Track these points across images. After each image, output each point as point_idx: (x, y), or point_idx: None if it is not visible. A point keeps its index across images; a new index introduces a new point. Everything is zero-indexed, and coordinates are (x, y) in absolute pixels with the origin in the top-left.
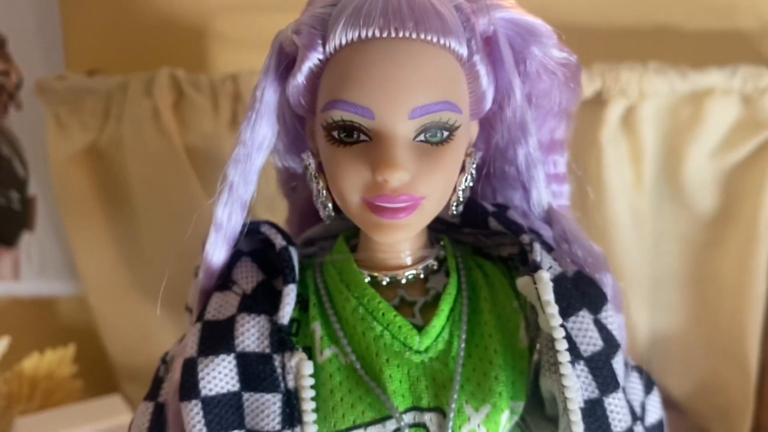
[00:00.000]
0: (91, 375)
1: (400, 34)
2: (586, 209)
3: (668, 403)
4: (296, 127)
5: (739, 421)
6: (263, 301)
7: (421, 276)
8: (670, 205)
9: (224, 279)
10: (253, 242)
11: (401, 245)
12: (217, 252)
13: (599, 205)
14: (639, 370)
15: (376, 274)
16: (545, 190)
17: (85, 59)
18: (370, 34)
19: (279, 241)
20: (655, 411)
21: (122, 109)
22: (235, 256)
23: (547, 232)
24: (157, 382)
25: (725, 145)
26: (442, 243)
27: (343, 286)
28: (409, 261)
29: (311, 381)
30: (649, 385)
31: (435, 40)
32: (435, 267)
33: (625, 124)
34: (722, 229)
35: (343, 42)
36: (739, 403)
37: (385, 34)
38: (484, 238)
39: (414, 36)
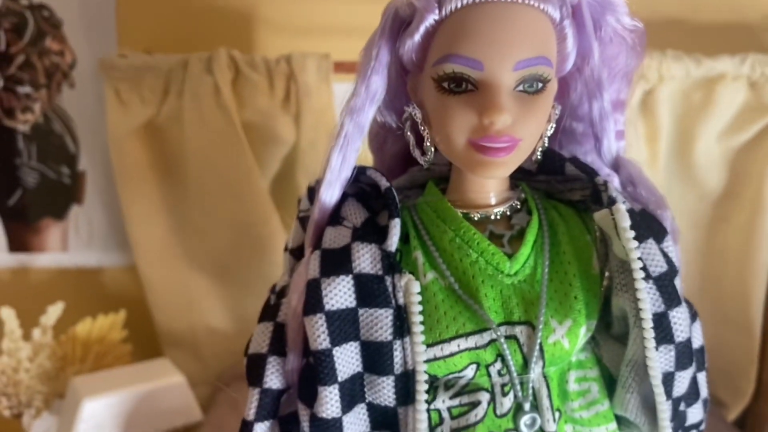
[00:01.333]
0: (137, 341)
1: None
2: None
3: None
4: (397, 84)
5: (744, 382)
6: (372, 233)
7: (507, 213)
8: (679, 183)
9: (335, 215)
10: (354, 185)
11: (489, 186)
12: (330, 192)
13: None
14: (687, 302)
15: (467, 211)
16: (614, 141)
17: (137, 40)
18: None
19: (383, 183)
20: (698, 338)
21: (182, 86)
22: (342, 197)
23: (611, 179)
24: (272, 308)
25: (733, 127)
26: (520, 187)
27: (440, 221)
28: (494, 201)
29: (419, 298)
30: (693, 315)
31: (535, 4)
32: (518, 206)
33: (644, 106)
34: (728, 205)
35: (459, 5)
36: (744, 366)
37: None
38: (557, 184)
39: (520, 0)
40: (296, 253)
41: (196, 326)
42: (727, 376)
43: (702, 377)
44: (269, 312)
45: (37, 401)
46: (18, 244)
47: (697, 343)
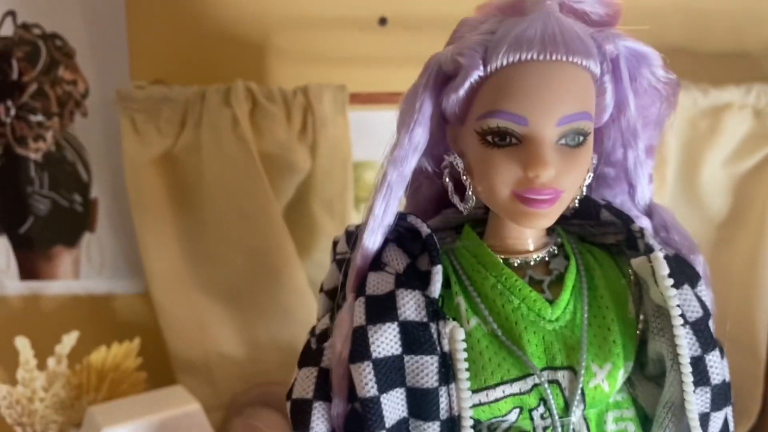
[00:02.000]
0: (151, 368)
1: (553, 57)
2: None
3: None
4: (438, 132)
5: (750, 402)
6: (414, 279)
7: (546, 259)
8: (685, 207)
9: (376, 261)
10: (393, 230)
11: (528, 232)
12: (373, 238)
13: None
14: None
15: (507, 257)
16: (647, 187)
17: (149, 70)
18: (528, 57)
19: (425, 229)
20: (726, 374)
21: (199, 117)
22: (383, 243)
23: (643, 224)
24: (315, 353)
25: (738, 154)
26: (556, 232)
27: (481, 266)
28: (532, 247)
29: (464, 345)
30: (721, 351)
31: (579, 62)
32: (555, 251)
33: None
34: (732, 230)
35: (505, 63)
36: (750, 387)
37: (541, 57)
38: (590, 228)
39: (564, 59)
40: (331, 294)
41: (209, 352)
42: (734, 398)
43: (730, 412)
44: (312, 357)
45: (52, 431)
46: (29, 272)
47: (726, 378)
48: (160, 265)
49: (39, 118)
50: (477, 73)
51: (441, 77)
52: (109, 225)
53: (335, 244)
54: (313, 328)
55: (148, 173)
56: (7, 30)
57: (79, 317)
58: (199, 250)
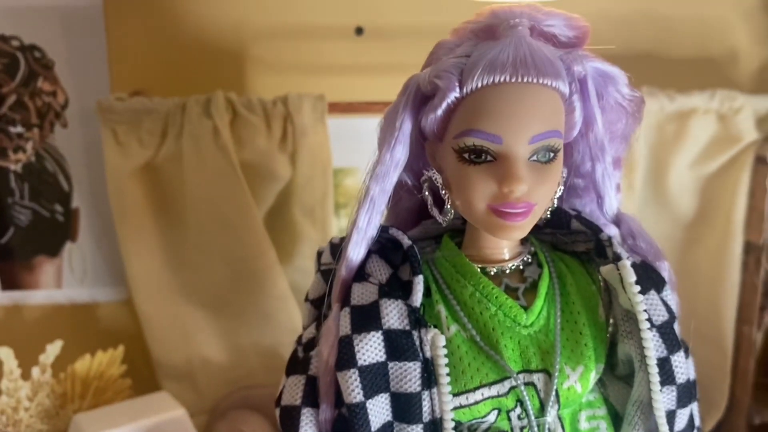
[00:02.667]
0: (135, 374)
1: (525, 80)
2: None
3: None
4: (417, 148)
5: (717, 395)
6: (397, 289)
7: (521, 267)
8: (654, 209)
9: (359, 272)
10: (375, 242)
11: (503, 243)
12: (357, 250)
13: None
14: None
15: (484, 266)
16: (615, 198)
17: (128, 81)
18: (501, 80)
19: (406, 241)
20: (691, 372)
21: (180, 128)
22: (366, 254)
23: (610, 233)
24: (302, 361)
25: (703, 157)
26: (529, 241)
27: (459, 276)
28: (507, 256)
29: (445, 351)
30: (686, 351)
31: (549, 83)
32: (529, 260)
33: None
34: (700, 229)
35: (479, 85)
36: (717, 380)
37: (513, 80)
38: (561, 236)
39: (535, 81)
40: (316, 303)
41: (192, 358)
42: (701, 391)
43: (695, 407)
44: (300, 365)
45: None
46: (10, 282)
47: (690, 377)
48: (142, 274)
49: (18, 129)
50: (453, 95)
51: (419, 97)
52: (90, 234)
53: (320, 254)
54: (300, 337)
55: (130, 184)
56: None
57: (62, 326)
58: (181, 258)
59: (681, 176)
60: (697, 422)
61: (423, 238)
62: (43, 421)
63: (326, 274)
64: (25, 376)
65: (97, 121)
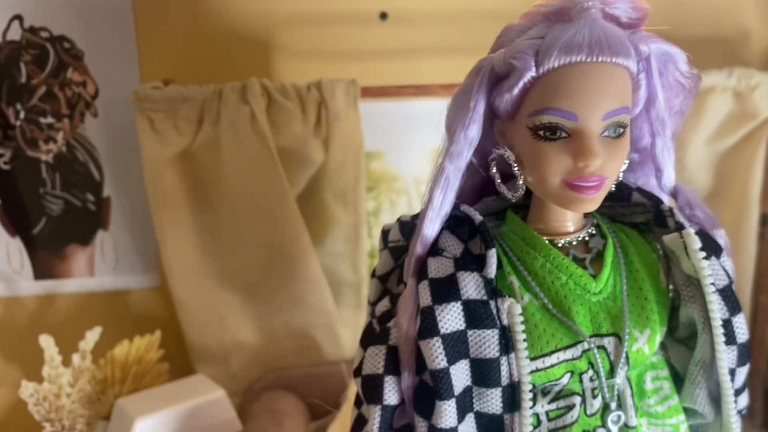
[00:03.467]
0: (170, 359)
1: (599, 59)
2: None
3: None
4: (486, 127)
5: None
6: (471, 262)
7: (585, 238)
8: None
9: (432, 248)
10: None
11: (569, 216)
12: (432, 227)
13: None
14: None
15: (551, 238)
16: (673, 171)
17: (158, 70)
18: (577, 60)
19: (477, 217)
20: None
21: (217, 115)
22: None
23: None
24: (381, 333)
25: (719, 133)
26: (591, 214)
27: (529, 248)
28: (572, 228)
29: (521, 318)
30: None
31: (621, 62)
32: (593, 231)
33: None
34: (717, 203)
35: (556, 65)
36: None
37: (589, 59)
38: (620, 209)
39: (608, 60)
40: (383, 279)
41: (226, 341)
42: None
43: (747, 368)
44: (378, 336)
45: (80, 425)
46: (43, 271)
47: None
48: (177, 259)
49: (49, 120)
50: (530, 74)
51: (493, 78)
52: (122, 222)
53: (386, 232)
54: (373, 311)
55: (167, 171)
56: (15, 34)
57: (96, 313)
58: (216, 243)
59: (698, 152)
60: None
61: (485, 214)
62: (85, 406)
63: (394, 251)
64: (66, 363)
65: (127, 111)
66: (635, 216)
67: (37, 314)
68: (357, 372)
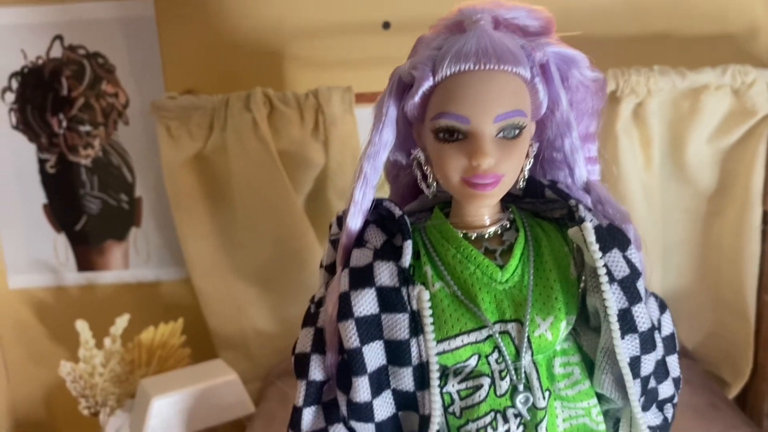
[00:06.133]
0: (194, 344)
1: (487, 67)
2: (609, 187)
3: (681, 351)
4: (405, 131)
5: (742, 362)
6: (389, 253)
7: (498, 232)
8: (676, 183)
9: (359, 239)
10: (374, 213)
11: (483, 211)
12: (354, 221)
13: (616, 184)
14: (654, 295)
15: (466, 231)
16: (584, 169)
17: (181, 81)
18: (466, 68)
19: (397, 211)
20: (667, 326)
21: (224, 122)
22: (364, 223)
23: (584, 200)
24: (313, 315)
25: (720, 131)
26: (510, 209)
27: (444, 240)
28: (488, 222)
29: (429, 303)
30: (662, 307)
31: (509, 69)
32: (507, 225)
33: (636, 117)
34: (720, 201)
35: (448, 73)
36: (742, 347)
37: (477, 68)
38: (540, 205)
39: (496, 68)
40: (330, 269)
41: (246, 330)
42: (727, 358)
43: (673, 359)
44: (310, 319)
45: (111, 401)
46: (85, 263)
47: (666, 330)
48: (198, 254)
49: (87, 128)
50: (428, 83)
51: (402, 86)
52: (152, 220)
53: (330, 226)
54: (313, 297)
55: (183, 173)
56: (56, 52)
57: (129, 302)
58: (231, 239)
59: (699, 151)
60: (674, 373)
61: (421, 210)
62: (115, 385)
63: (335, 243)
64: (99, 345)
65: (154, 119)
66: (554, 212)
67: (79, 302)
68: (293, 350)
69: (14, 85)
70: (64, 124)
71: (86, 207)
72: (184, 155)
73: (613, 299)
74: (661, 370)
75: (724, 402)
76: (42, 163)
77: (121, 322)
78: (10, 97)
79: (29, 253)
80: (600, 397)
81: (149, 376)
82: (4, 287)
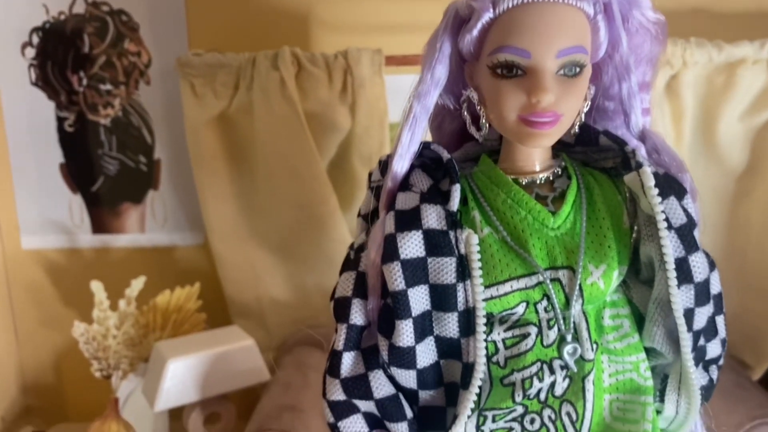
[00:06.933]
0: (210, 310)
1: None
2: None
3: None
4: (457, 71)
5: (765, 345)
6: (437, 196)
7: (550, 178)
8: (704, 160)
9: (404, 183)
10: (419, 158)
11: (534, 155)
12: (401, 163)
13: None
14: (705, 253)
15: (516, 177)
16: (641, 116)
17: (205, 40)
18: (529, 0)
19: (445, 155)
20: (716, 285)
21: (251, 81)
22: (410, 168)
23: (639, 149)
24: (353, 260)
25: (753, 108)
26: (561, 157)
27: (493, 185)
28: (538, 168)
29: (478, 247)
30: (711, 265)
31: (573, 2)
32: (559, 172)
33: (669, 90)
34: (749, 181)
35: (510, 5)
36: (765, 330)
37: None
38: (592, 154)
39: (560, 0)
40: (367, 218)
41: (262, 298)
42: (751, 340)
43: (720, 319)
44: (351, 264)
45: (123, 364)
46: (101, 226)
47: (715, 289)
48: (218, 217)
49: (108, 86)
50: (488, 15)
51: (458, 21)
52: (171, 183)
53: (370, 174)
54: (352, 244)
55: (206, 133)
56: (79, 8)
57: (144, 266)
58: (252, 203)
59: (730, 127)
60: (722, 333)
61: (465, 159)
62: (129, 348)
63: (375, 190)
64: (113, 308)
65: (176, 80)
66: (606, 161)
67: (93, 265)
68: (332, 296)
69: (35, 40)
70: (85, 82)
71: (104, 168)
72: (207, 114)
73: (671, 246)
74: (711, 328)
75: (750, 382)
76: (60, 121)
77: (137, 283)
78: (31, 52)
79: (43, 213)
80: (648, 351)
81: (164, 339)
82: (17, 247)
